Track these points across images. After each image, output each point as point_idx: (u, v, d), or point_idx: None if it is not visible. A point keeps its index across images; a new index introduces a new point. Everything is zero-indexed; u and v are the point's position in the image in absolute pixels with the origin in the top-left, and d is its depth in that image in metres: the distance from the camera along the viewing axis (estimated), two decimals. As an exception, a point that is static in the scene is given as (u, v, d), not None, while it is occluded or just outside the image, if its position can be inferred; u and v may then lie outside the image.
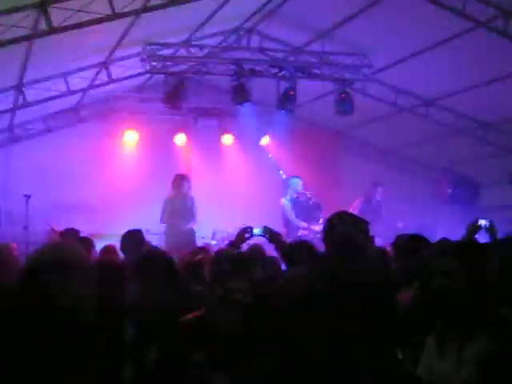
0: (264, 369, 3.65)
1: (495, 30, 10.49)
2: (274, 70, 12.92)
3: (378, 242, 9.77)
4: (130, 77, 13.41)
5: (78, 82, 12.65)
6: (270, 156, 15.00)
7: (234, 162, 15.48)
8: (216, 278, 4.74)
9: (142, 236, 7.78)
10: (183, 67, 12.79)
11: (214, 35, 12.97)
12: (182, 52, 12.48)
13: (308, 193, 12.78)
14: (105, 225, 12.87)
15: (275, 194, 13.40)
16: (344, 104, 13.05)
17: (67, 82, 12.38)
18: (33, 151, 14.03)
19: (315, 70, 13.07)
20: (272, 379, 3.58)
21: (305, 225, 12.47)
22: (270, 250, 6.86)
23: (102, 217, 13.63)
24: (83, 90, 13.37)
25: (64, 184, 14.08)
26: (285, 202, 12.81)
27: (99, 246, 8.35)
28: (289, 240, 8.03)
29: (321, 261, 4.55)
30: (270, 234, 6.28)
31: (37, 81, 11.95)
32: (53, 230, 10.91)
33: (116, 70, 12.80)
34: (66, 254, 2.98)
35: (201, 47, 12.63)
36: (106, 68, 12.58)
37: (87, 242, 7.91)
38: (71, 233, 8.70)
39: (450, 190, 16.16)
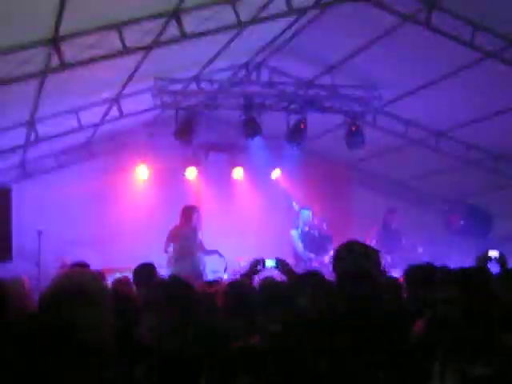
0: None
1: (504, 61, 10.54)
2: (284, 104, 13.02)
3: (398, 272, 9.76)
4: (141, 112, 13.51)
5: (89, 117, 12.74)
6: (283, 187, 14.94)
7: (245, 196, 15.52)
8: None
9: (154, 269, 7.79)
10: (194, 102, 12.88)
11: (223, 70, 13.06)
12: (193, 87, 12.59)
13: (318, 224, 12.81)
14: (117, 259, 12.90)
15: (286, 227, 13.41)
16: (355, 137, 13.10)
17: (79, 118, 12.47)
18: (45, 187, 14.10)
19: (325, 104, 13.15)
20: None
21: (312, 256, 12.47)
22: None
23: (113, 251, 13.65)
24: (95, 126, 13.46)
25: (76, 219, 14.15)
26: (294, 233, 12.85)
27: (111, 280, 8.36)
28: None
29: (330, 291, 4.55)
30: (283, 266, 6.31)
31: (48, 117, 12.03)
32: (63, 264, 10.93)
33: (127, 106, 12.88)
34: (84, 281, 2.97)
35: (211, 82, 12.74)
36: (117, 103, 12.67)
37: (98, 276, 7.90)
38: (81, 267, 8.69)
39: (462, 222, 16.09)
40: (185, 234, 12.16)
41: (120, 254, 13.35)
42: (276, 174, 15.72)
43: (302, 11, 10.23)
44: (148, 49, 9.66)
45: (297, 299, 4.73)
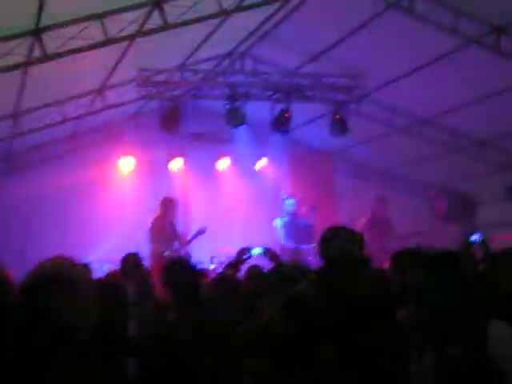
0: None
1: (487, 46, 10.57)
2: (268, 93, 13.00)
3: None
4: (126, 103, 13.46)
5: (73, 109, 12.68)
6: (269, 177, 14.87)
7: (231, 186, 15.52)
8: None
9: (140, 259, 7.80)
10: (178, 92, 12.86)
11: (207, 59, 13.02)
12: (177, 77, 12.55)
13: (305, 213, 12.83)
14: (103, 251, 12.89)
15: (272, 216, 13.42)
16: (338, 125, 13.11)
17: (62, 110, 12.42)
18: (30, 180, 14.02)
19: (309, 92, 13.15)
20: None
21: (291, 246, 12.51)
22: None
23: (100, 243, 13.61)
24: (79, 118, 13.40)
25: (61, 212, 14.10)
26: (277, 222, 12.87)
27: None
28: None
29: (318, 276, 4.57)
30: (270, 254, 6.40)
31: (32, 109, 11.98)
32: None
33: (111, 97, 12.85)
34: (64, 269, 2.98)
35: (195, 72, 12.70)
36: (101, 95, 12.62)
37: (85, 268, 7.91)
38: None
39: (447, 208, 16.17)
40: (165, 226, 12.17)
41: (106, 245, 13.32)
42: (262, 163, 15.72)
43: (285, -1, 10.22)
44: (131, 39, 9.62)
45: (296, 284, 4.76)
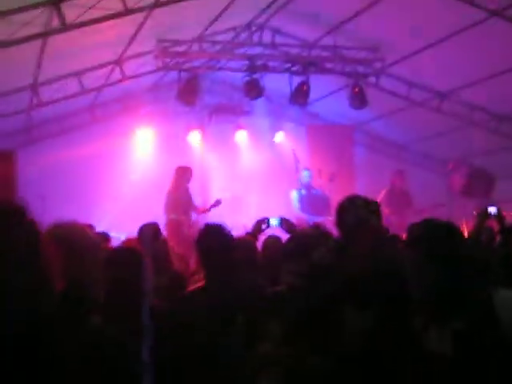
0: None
1: (507, 19, 10.47)
2: (287, 65, 12.96)
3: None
4: (144, 74, 13.46)
5: (91, 80, 12.71)
6: (292, 148, 14.76)
7: (249, 158, 15.53)
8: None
9: (159, 228, 7.83)
10: (196, 64, 12.84)
11: (226, 31, 12.97)
12: (195, 48, 12.53)
13: (322, 185, 12.87)
14: (121, 222, 12.94)
15: (289, 189, 13.44)
16: (358, 98, 13.07)
17: (81, 81, 12.45)
18: (48, 151, 14.10)
19: (328, 65, 13.10)
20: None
21: (307, 218, 12.53)
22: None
23: (117, 214, 13.68)
24: (97, 89, 13.43)
25: (79, 184, 14.19)
26: (293, 194, 12.92)
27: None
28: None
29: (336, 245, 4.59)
30: (287, 224, 6.42)
31: (51, 80, 12.02)
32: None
33: (130, 69, 12.85)
34: (70, 231, 3.02)
35: (213, 43, 12.68)
36: (120, 66, 12.62)
37: (103, 237, 7.99)
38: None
39: (464, 183, 16.08)
40: (179, 196, 12.26)
41: (124, 216, 13.38)
42: (280, 136, 15.72)
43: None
44: (149, 9, 9.60)
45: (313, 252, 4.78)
